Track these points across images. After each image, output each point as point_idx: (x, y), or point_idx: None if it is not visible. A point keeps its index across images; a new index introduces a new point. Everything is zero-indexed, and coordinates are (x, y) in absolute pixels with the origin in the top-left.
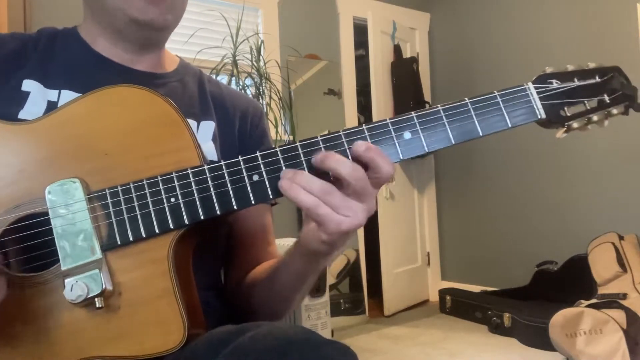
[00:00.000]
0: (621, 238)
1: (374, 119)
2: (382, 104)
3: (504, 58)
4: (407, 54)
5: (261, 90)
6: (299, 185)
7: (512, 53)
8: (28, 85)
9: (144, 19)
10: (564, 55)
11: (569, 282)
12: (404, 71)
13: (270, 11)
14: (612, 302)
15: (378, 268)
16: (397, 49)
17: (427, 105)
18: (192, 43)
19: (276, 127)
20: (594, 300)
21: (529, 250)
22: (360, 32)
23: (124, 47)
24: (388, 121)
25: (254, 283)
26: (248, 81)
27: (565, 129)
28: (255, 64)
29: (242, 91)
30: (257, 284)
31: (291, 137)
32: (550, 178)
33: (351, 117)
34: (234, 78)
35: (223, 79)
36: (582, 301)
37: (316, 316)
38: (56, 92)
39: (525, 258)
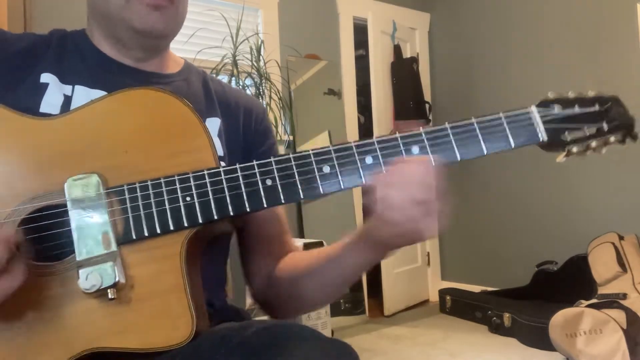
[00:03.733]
0: (621, 238)
1: (374, 119)
2: (382, 104)
3: (504, 58)
4: (407, 54)
5: (261, 90)
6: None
7: (512, 53)
8: (46, 77)
9: (144, 28)
10: (563, 55)
11: (569, 282)
12: (404, 71)
13: (270, 11)
14: (612, 302)
15: (378, 268)
16: (397, 49)
17: (427, 105)
18: (192, 43)
19: (276, 127)
20: (594, 300)
21: (529, 250)
22: (360, 32)
23: (128, 52)
24: (398, 135)
25: (296, 275)
26: (248, 81)
27: (565, 153)
28: (255, 64)
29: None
30: (303, 276)
31: (291, 137)
32: (550, 178)
33: (351, 117)
34: (234, 78)
35: (223, 79)
36: (582, 301)
37: (316, 316)
38: (70, 87)
39: (525, 258)
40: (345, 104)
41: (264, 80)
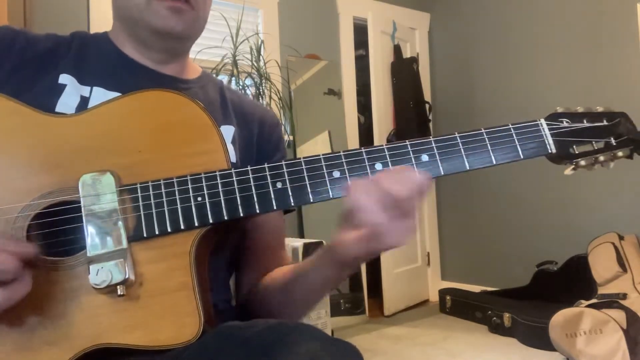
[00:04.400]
0: (621, 238)
1: (374, 119)
2: (382, 104)
3: (504, 57)
4: (407, 54)
5: (261, 90)
6: (371, 197)
7: (512, 52)
8: (64, 79)
9: (163, 29)
10: (563, 55)
11: (569, 282)
12: (404, 71)
13: (270, 11)
14: (612, 302)
15: (378, 268)
16: (397, 49)
17: (427, 105)
18: None
19: None
20: (594, 300)
21: (529, 250)
22: (360, 32)
23: (149, 54)
24: (407, 143)
25: (272, 289)
26: (248, 81)
27: (573, 166)
28: (255, 64)
29: (242, 91)
30: (276, 290)
31: (291, 137)
32: (551, 178)
33: (351, 117)
34: (234, 78)
35: (223, 79)
36: (582, 301)
37: (316, 316)
38: (88, 88)
39: (525, 258)
40: (345, 104)
41: (264, 80)
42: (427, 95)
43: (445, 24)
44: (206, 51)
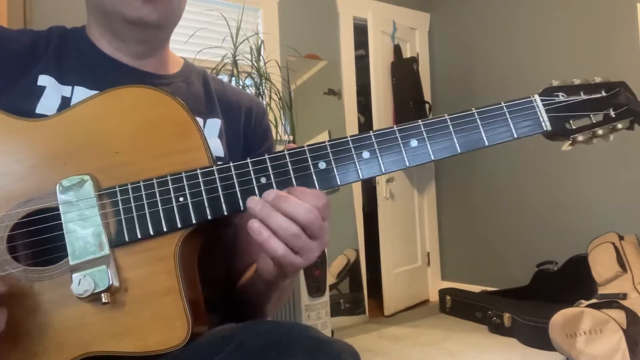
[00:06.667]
0: (621, 238)
1: (374, 119)
2: (382, 104)
3: (504, 57)
4: (407, 54)
5: (261, 90)
6: (270, 229)
7: (512, 52)
8: (43, 80)
9: (137, 19)
10: (563, 56)
11: (569, 282)
12: (404, 71)
13: (270, 11)
14: (612, 302)
15: (378, 268)
16: (397, 49)
17: (427, 105)
18: (192, 43)
19: (276, 127)
20: (594, 300)
21: (529, 250)
22: (360, 32)
23: (126, 48)
24: (395, 128)
25: (240, 287)
26: (248, 81)
27: (570, 141)
28: (255, 64)
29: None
30: (242, 289)
31: (291, 137)
32: (551, 178)
33: (351, 117)
34: (234, 78)
35: (223, 79)
36: (582, 301)
37: (316, 316)
38: (69, 88)
39: (525, 258)
40: (345, 104)
41: (264, 80)
42: (427, 95)
43: (445, 24)
44: (206, 51)
